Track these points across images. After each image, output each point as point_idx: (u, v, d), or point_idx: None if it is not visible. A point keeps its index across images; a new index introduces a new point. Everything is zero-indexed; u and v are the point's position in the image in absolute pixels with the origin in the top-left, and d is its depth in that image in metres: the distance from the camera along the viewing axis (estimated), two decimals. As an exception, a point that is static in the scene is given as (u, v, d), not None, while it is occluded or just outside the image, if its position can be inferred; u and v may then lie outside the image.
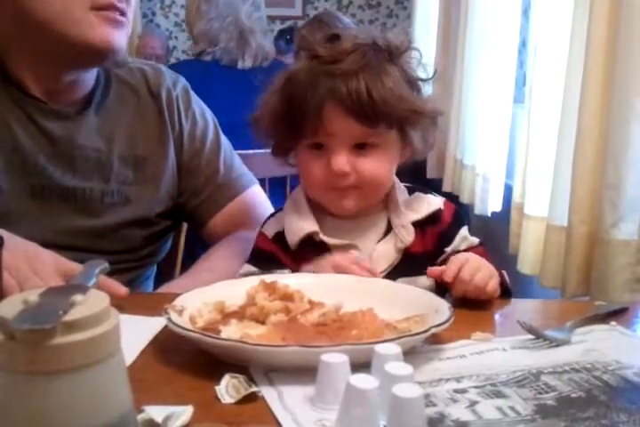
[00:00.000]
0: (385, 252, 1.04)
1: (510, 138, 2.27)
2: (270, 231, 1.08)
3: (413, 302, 0.86)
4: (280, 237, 1.06)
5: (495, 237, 2.04)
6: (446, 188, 2.61)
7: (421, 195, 1.10)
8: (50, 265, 0.88)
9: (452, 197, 2.51)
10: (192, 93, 1.29)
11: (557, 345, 0.83)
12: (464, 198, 2.44)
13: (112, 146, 1.17)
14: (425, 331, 0.74)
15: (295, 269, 1.03)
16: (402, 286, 0.92)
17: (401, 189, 1.10)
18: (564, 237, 1.43)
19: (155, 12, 4.93)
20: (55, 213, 1.12)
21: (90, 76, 1.16)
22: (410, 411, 0.58)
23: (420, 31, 3.72)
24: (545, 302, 1.11)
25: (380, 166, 1.02)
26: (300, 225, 1.04)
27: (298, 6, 4.97)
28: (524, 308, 1.02)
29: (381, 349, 0.68)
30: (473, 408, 0.66)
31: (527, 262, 1.63)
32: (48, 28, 1.04)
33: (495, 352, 0.81)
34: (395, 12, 5.07)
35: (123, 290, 0.89)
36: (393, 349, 0.68)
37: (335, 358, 0.65)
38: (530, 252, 1.62)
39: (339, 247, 1.04)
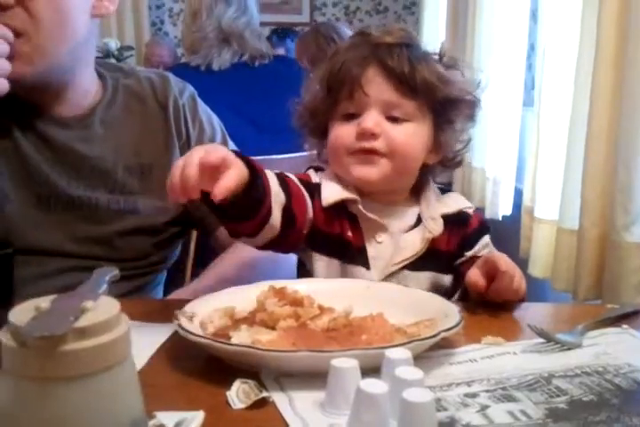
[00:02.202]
0: (412, 241, 1.03)
1: (520, 141, 2.27)
2: (314, 178, 1.06)
3: (423, 306, 0.86)
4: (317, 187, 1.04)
5: (506, 240, 2.03)
6: (456, 191, 2.60)
7: (454, 194, 1.11)
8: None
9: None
10: (199, 101, 1.29)
11: (569, 349, 0.83)
12: (474, 202, 2.43)
13: (117, 155, 1.17)
14: (435, 335, 0.74)
15: (317, 222, 1.01)
16: (411, 291, 0.92)
17: (434, 187, 1.10)
18: (576, 240, 1.42)
19: (163, 21, 4.96)
20: (62, 222, 1.12)
21: (86, 88, 1.16)
22: (420, 416, 0.58)
23: (429, 36, 3.73)
24: (556, 306, 1.11)
25: (410, 139, 1.01)
26: (342, 189, 1.03)
27: (305, 13, 4.99)
28: (535, 311, 1.02)
29: (391, 353, 0.68)
30: (484, 412, 0.66)
31: (538, 266, 1.63)
32: None
33: (506, 356, 0.81)
34: (402, 18, 5.07)
35: None
36: (403, 353, 0.68)
37: (345, 363, 0.65)
38: (541, 255, 1.61)
39: (370, 224, 1.03)
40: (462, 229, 1.08)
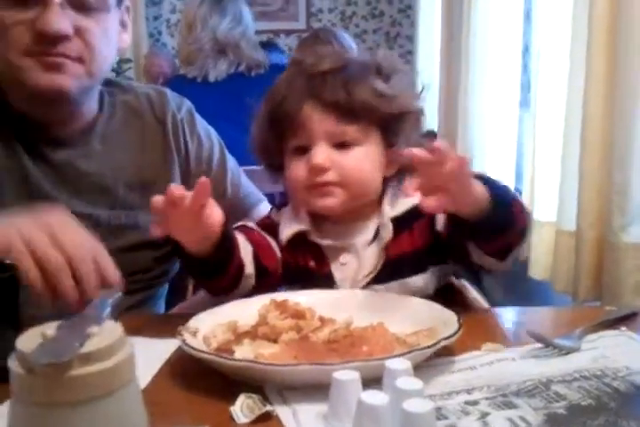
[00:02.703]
0: (371, 255, 1.03)
1: (518, 143, 2.28)
2: (276, 218, 1.10)
3: (423, 314, 0.87)
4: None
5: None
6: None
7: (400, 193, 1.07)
8: (82, 247, 0.88)
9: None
10: (197, 115, 1.31)
11: (567, 353, 0.84)
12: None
13: (117, 172, 1.19)
14: (434, 344, 0.76)
15: (283, 260, 1.05)
16: (411, 299, 0.93)
17: (396, 194, 1.07)
18: (574, 241, 1.44)
19: (161, 32, 4.98)
20: None
21: (89, 106, 1.18)
22: (421, 425, 0.60)
23: (424, 39, 3.75)
24: (554, 310, 1.12)
25: (361, 164, 1.01)
26: (294, 222, 1.06)
27: (302, 20, 5.01)
28: (534, 316, 1.03)
29: (392, 364, 0.69)
30: (484, 420, 0.67)
31: (538, 268, 1.64)
32: (4, 71, 1.08)
33: (505, 362, 0.82)
34: (398, 21, 5.09)
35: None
36: (403, 364, 0.69)
37: (347, 376, 0.66)
38: (541, 257, 1.62)
39: (331, 249, 1.04)
40: (423, 219, 1.03)
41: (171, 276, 1.31)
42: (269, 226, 1.08)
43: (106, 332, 0.46)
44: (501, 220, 0.90)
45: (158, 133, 1.24)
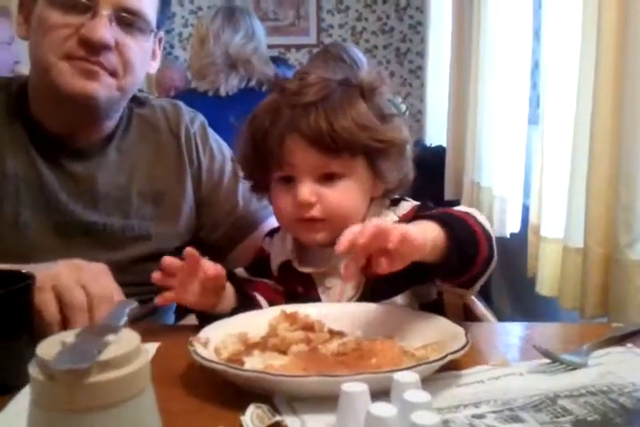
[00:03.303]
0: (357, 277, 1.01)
1: (526, 159, 2.29)
2: (268, 248, 1.14)
3: (431, 328, 0.88)
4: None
5: (514, 258, 2.05)
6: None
7: (404, 203, 1.08)
8: (92, 278, 0.92)
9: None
10: (209, 129, 1.33)
11: (574, 369, 0.84)
12: (482, 220, 2.46)
13: (132, 182, 1.21)
14: (442, 358, 0.76)
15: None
16: (419, 314, 0.94)
17: (378, 213, 1.07)
18: (581, 258, 1.44)
19: (173, 45, 5.03)
20: (78, 249, 1.15)
21: (112, 120, 1.20)
22: (428, 438, 0.61)
23: (434, 55, 3.78)
24: (562, 326, 1.13)
25: (346, 197, 1.02)
26: (280, 253, 1.09)
27: (312, 34, 5.05)
28: (541, 331, 1.04)
29: (400, 377, 0.70)
30: (491, 433, 0.68)
31: (546, 284, 1.64)
32: (39, 72, 1.11)
33: (512, 377, 0.82)
34: (408, 37, 5.12)
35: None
36: (411, 377, 0.70)
37: (355, 388, 0.67)
38: (548, 273, 1.63)
39: (316, 274, 1.06)
40: None
41: None
42: (262, 259, 1.13)
43: (123, 340, 0.47)
44: (464, 257, 0.87)
45: (172, 146, 1.26)
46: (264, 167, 1.04)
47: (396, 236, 0.76)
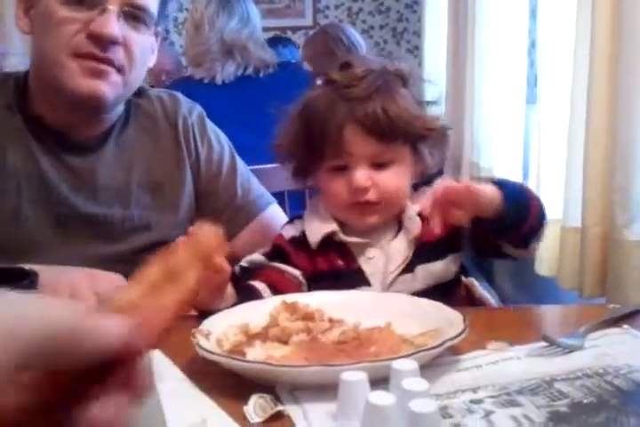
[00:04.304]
0: (399, 247, 1.10)
1: (525, 140, 2.29)
2: (287, 234, 1.15)
3: (429, 314, 0.90)
4: (296, 240, 1.13)
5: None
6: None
7: (425, 188, 1.15)
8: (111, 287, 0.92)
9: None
10: (207, 120, 1.33)
11: (571, 351, 0.86)
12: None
13: (131, 173, 1.22)
14: (440, 345, 0.78)
15: (309, 270, 1.10)
16: (418, 300, 0.96)
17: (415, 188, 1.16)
18: (579, 238, 1.45)
19: (169, 30, 4.99)
20: (78, 241, 1.17)
21: (114, 114, 1.21)
22: (426, 425, 0.62)
23: (431, 35, 3.75)
24: (559, 308, 1.14)
25: (398, 181, 1.09)
26: (321, 226, 1.11)
27: (308, 16, 5.01)
28: (539, 314, 1.05)
29: (398, 365, 0.71)
30: (488, 418, 0.70)
31: (545, 264, 1.65)
32: (44, 67, 1.11)
33: (510, 361, 0.84)
34: (405, 16, 5.08)
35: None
36: (409, 364, 0.71)
37: (354, 377, 0.69)
38: (547, 253, 1.64)
39: (357, 246, 1.10)
40: None
41: None
42: (277, 252, 1.13)
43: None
44: (517, 211, 0.99)
45: (170, 137, 1.27)
46: (318, 154, 1.08)
47: (462, 187, 0.95)
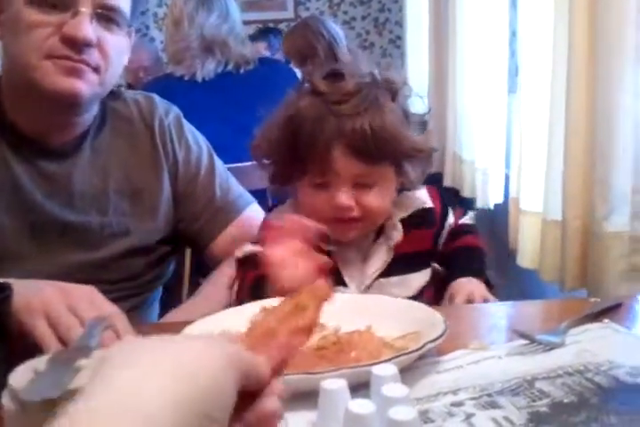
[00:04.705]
0: (378, 252, 1.12)
1: (507, 131, 2.29)
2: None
3: (410, 316, 0.90)
4: None
5: (498, 230, 2.07)
6: (447, 182, 2.62)
7: (407, 193, 1.16)
8: (86, 301, 0.88)
9: (453, 192, 2.54)
10: (184, 121, 1.32)
11: (551, 348, 0.86)
12: (465, 192, 2.46)
13: (107, 179, 1.20)
14: (420, 348, 0.78)
15: None
16: (398, 301, 0.96)
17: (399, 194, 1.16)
18: (560, 231, 1.45)
19: (148, 26, 4.96)
20: (55, 249, 1.15)
21: (89, 116, 1.20)
22: (405, 432, 0.62)
23: (413, 25, 3.74)
24: (541, 303, 1.15)
25: (380, 200, 1.08)
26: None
27: (290, 9, 4.98)
28: (519, 311, 1.06)
29: (378, 370, 0.71)
30: (469, 421, 0.70)
31: (526, 257, 1.66)
32: (17, 72, 1.10)
33: (491, 361, 0.84)
34: (387, 7, 5.06)
35: None
36: (389, 370, 0.71)
37: (335, 385, 0.68)
38: (528, 246, 1.64)
39: (338, 247, 1.10)
40: (431, 227, 1.17)
41: (164, 281, 1.33)
42: None
43: (96, 363, 0.47)
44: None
45: (147, 139, 1.26)
46: (301, 168, 1.08)
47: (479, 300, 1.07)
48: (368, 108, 1.05)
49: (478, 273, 1.14)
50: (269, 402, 0.44)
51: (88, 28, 1.06)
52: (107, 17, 1.09)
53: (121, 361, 0.39)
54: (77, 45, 1.06)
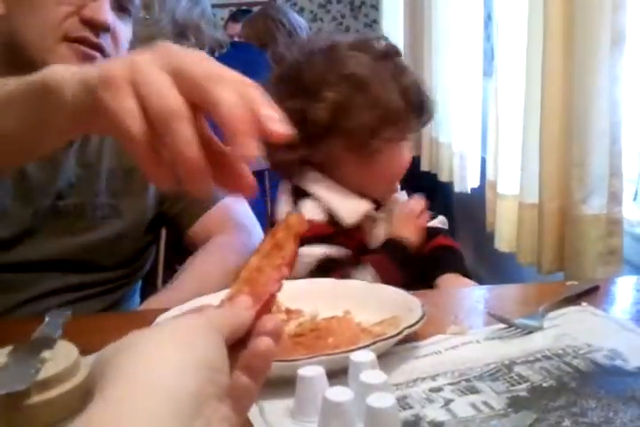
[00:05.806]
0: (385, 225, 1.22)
1: (483, 114, 2.29)
2: (318, 217, 1.15)
3: (388, 301, 0.89)
4: (328, 222, 1.15)
5: (476, 214, 2.07)
6: (424, 167, 2.62)
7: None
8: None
9: (430, 176, 2.54)
10: None
11: (530, 332, 0.86)
12: (443, 177, 2.46)
13: (101, 160, 1.20)
14: (398, 333, 0.77)
15: (352, 245, 1.16)
16: (376, 287, 0.95)
17: None
18: (537, 214, 1.46)
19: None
20: (49, 235, 1.15)
21: None
22: (384, 420, 0.61)
23: (388, 8, 3.72)
24: (519, 287, 1.14)
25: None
26: (355, 204, 1.17)
27: (264, -8, 4.93)
28: (497, 294, 1.05)
29: (356, 357, 0.70)
30: (448, 407, 0.69)
31: (504, 240, 1.66)
32: (26, 52, 1.06)
33: (470, 345, 0.83)
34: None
35: None
36: (367, 356, 0.70)
37: (312, 372, 0.67)
38: (505, 229, 1.65)
39: (382, 219, 1.21)
40: None
41: (145, 270, 1.32)
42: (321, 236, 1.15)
43: (60, 354, 0.46)
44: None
45: None
46: (373, 126, 1.13)
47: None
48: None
49: (462, 270, 1.20)
50: (260, 342, 0.47)
51: (109, 13, 1.06)
52: (122, 6, 1.11)
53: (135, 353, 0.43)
54: (96, 29, 1.05)
